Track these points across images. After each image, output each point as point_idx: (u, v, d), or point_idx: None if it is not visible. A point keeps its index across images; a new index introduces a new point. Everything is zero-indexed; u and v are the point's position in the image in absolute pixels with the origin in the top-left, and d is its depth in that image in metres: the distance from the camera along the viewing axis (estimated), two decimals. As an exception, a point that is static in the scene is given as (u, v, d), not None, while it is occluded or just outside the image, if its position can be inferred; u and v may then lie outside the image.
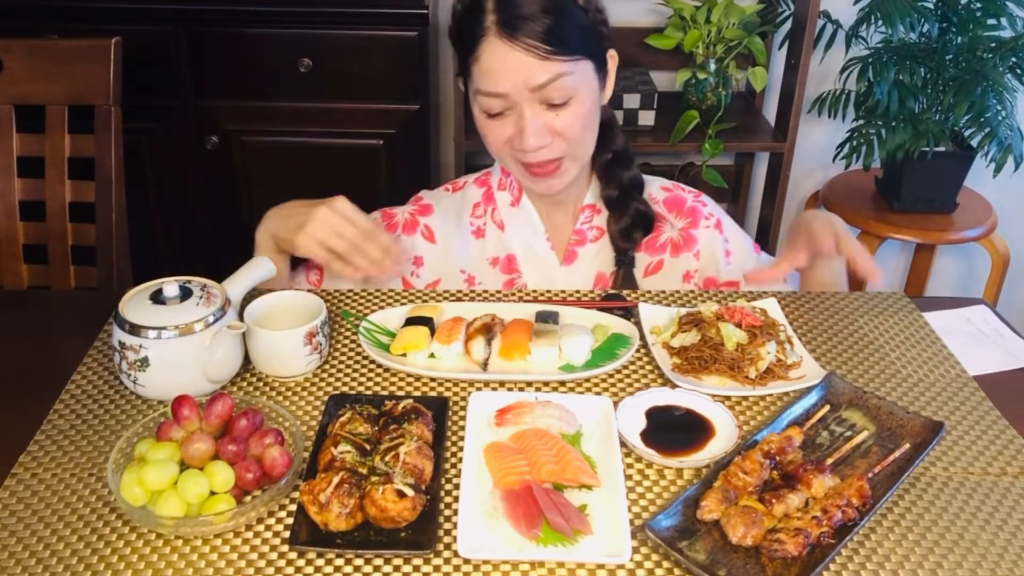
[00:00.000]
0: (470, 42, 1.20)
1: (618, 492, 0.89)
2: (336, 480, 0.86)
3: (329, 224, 1.20)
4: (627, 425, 1.00)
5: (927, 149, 2.19)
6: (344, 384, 1.09)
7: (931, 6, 2.23)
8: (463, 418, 1.02)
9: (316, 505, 0.85)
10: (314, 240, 1.20)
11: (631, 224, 1.36)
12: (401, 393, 1.07)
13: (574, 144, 1.25)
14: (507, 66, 1.18)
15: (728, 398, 1.07)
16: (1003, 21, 2.19)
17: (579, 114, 1.22)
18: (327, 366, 1.12)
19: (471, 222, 1.41)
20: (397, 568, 0.83)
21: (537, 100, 1.20)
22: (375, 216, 1.41)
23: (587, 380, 1.10)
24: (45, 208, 1.62)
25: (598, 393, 1.08)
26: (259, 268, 1.16)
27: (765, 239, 2.54)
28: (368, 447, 0.93)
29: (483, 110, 1.23)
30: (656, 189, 1.43)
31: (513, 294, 1.30)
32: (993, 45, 2.20)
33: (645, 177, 1.42)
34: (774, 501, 0.88)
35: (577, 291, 1.33)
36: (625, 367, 1.13)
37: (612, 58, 1.30)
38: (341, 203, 1.22)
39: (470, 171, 2.30)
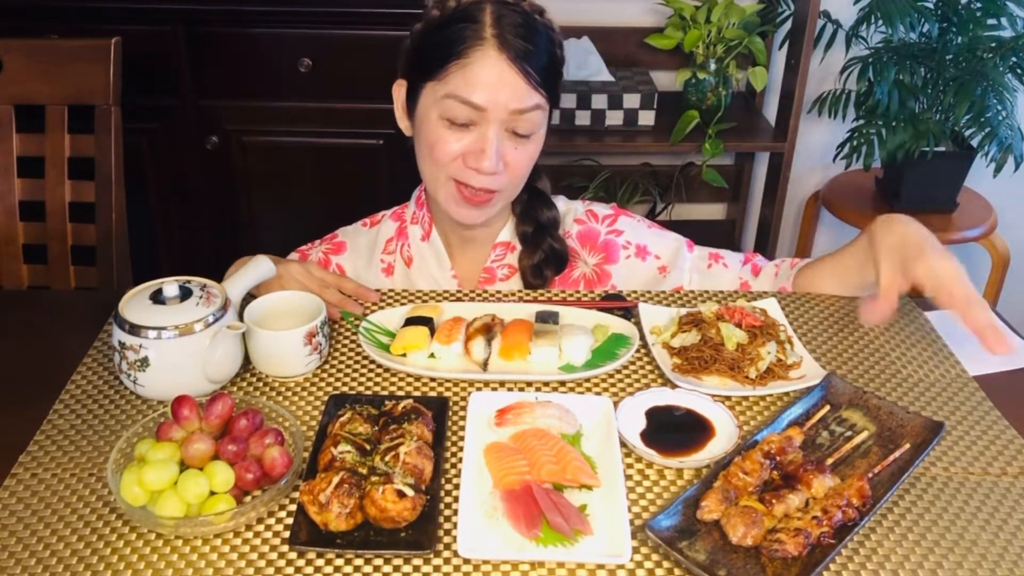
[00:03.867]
0: (458, 45, 1.17)
1: (618, 492, 0.89)
2: (336, 480, 0.86)
3: (293, 275, 1.22)
4: (627, 425, 1.00)
5: (927, 149, 2.20)
6: (344, 384, 1.09)
7: (931, 6, 2.23)
8: (463, 418, 1.02)
9: (316, 505, 0.85)
10: (276, 283, 1.21)
11: (543, 260, 1.34)
12: (401, 393, 1.07)
13: (515, 181, 1.25)
14: (498, 79, 1.16)
15: (728, 398, 1.07)
16: (1003, 21, 2.19)
17: (531, 153, 1.23)
18: (327, 366, 1.12)
19: (382, 259, 1.40)
20: (397, 568, 0.83)
21: (506, 126, 1.19)
22: (291, 258, 1.40)
23: (587, 380, 1.10)
24: (45, 208, 1.62)
25: (598, 393, 1.08)
26: (259, 268, 1.16)
27: (765, 239, 2.54)
28: (368, 447, 0.93)
29: (447, 116, 1.19)
30: (569, 222, 1.40)
31: (513, 294, 1.30)
32: (993, 45, 2.20)
33: (561, 205, 1.39)
34: (774, 501, 0.88)
35: (577, 291, 1.33)
36: (625, 367, 1.13)
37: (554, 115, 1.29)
38: (311, 264, 1.27)
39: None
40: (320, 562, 0.84)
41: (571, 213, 1.41)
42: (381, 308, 1.23)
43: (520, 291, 1.31)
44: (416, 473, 0.89)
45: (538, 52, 1.18)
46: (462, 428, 1.00)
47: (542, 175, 1.36)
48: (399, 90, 1.30)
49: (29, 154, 1.63)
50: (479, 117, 1.18)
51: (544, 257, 1.34)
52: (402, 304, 1.24)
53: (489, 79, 1.16)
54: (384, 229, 1.41)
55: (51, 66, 1.60)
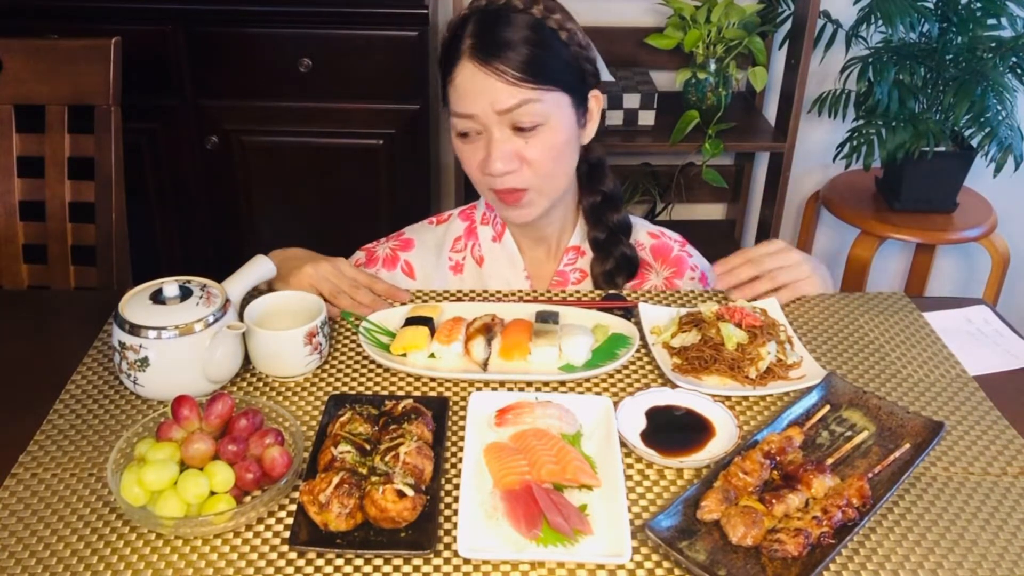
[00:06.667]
0: (448, 65, 1.22)
1: (618, 492, 0.89)
2: (336, 480, 0.86)
3: (322, 273, 1.23)
4: (627, 425, 1.00)
5: (927, 149, 2.19)
6: (344, 384, 1.09)
7: (931, 6, 2.23)
8: (463, 418, 1.02)
9: (316, 505, 0.85)
10: (306, 282, 1.22)
11: (615, 267, 1.35)
12: (401, 393, 1.07)
13: (542, 176, 1.24)
14: (476, 88, 1.19)
15: (728, 398, 1.07)
16: (1003, 21, 2.19)
17: (550, 144, 1.22)
18: (327, 366, 1.12)
19: (450, 257, 1.40)
20: (397, 568, 0.83)
21: (506, 124, 1.20)
22: (358, 256, 1.42)
23: (587, 380, 1.10)
24: (45, 208, 1.62)
25: (598, 393, 1.08)
26: (259, 268, 1.16)
27: (765, 239, 2.53)
28: (368, 447, 0.93)
29: (457, 132, 1.24)
30: (643, 235, 1.42)
31: (513, 294, 1.30)
32: (993, 45, 2.20)
33: (632, 220, 1.41)
34: (774, 501, 0.88)
35: (577, 291, 1.33)
36: (625, 367, 1.13)
37: (596, 99, 1.29)
38: (342, 263, 1.27)
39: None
40: (320, 562, 0.84)
41: (642, 226, 1.43)
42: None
43: (520, 291, 1.31)
44: (416, 473, 0.89)
45: (515, 48, 1.18)
46: (462, 428, 1.00)
47: (608, 176, 1.36)
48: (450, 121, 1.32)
49: (29, 154, 1.63)
50: (477, 125, 1.21)
51: (616, 264, 1.35)
52: (402, 304, 1.24)
53: (470, 89, 1.20)
54: (452, 227, 1.42)
55: (51, 66, 1.60)
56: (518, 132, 1.21)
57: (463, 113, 1.21)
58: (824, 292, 1.30)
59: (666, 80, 2.50)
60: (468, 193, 2.30)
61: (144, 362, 1.02)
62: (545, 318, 1.16)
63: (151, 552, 0.85)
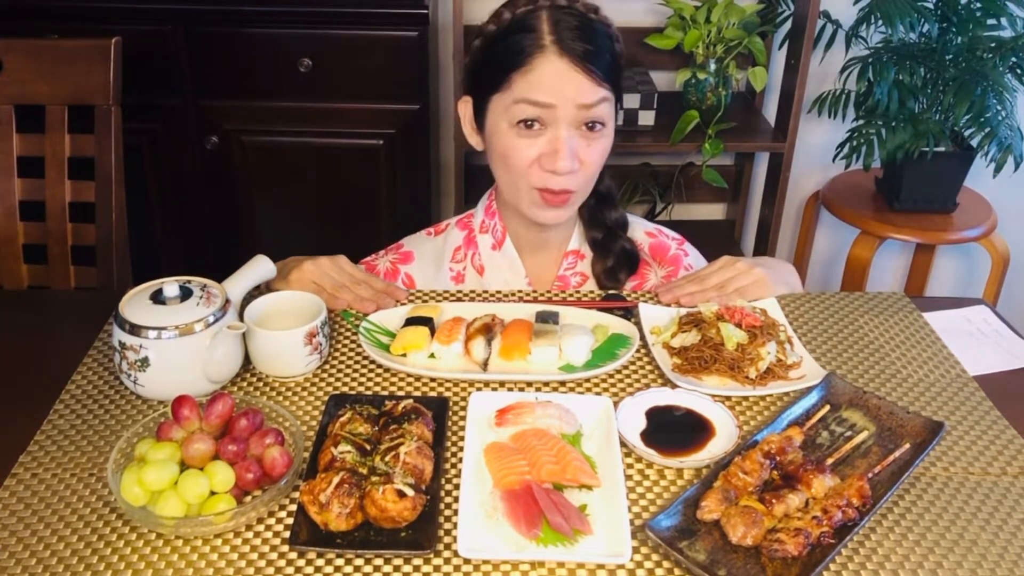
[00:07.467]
0: (519, 55, 1.20)
1: (618, 492, 0.89)
2: (336, 480, 0.86)
3: (323, 269, 1.25)
4: (627, 425, 1.00)
5: (927, 149, 2.19)
6: (344, 384, 1.09)
7: (931, 6, 2.23)
8: (463, 418, 1.02)
9: (316, 505, 0.85)
10: (308, 278, 1.24)
11: (616, 264, 1.36)
12: (401, 393, 1.07)
13: (589, 179, 1.26)
14: (563, 79, 1.18)
15: (728, 398, 1.07)
16: (1003, 21, 2.19)
17: (603, 148, 1.24)
18: (327, 366, 1.12)
19: (451, 267, 1.40)
20: (397, 568, 0.83)
21: (575, 123, 1.21)
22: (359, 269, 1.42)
23: (587, 380, 1.10)
24: (45, 208, 1.62)
25: (598, 393, 1.08)
26: (259, 268, 1.16)
27: (765, 239, 2.54)
28: (368, 447, 0.93)
29: (518, 122, 1.21)
30: (641, 234, 1.42)
31: (513, 294, 1.30)
32: (993, 45, 2.20)
33: (629, 218, 1.42)
34: (774, 501, 0.88)
35: (577, 291, 1.33)
36: (625, 367, 1.13)
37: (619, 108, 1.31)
38: (342, 259, 1.28)
39: (470, 171, 2.30)
40: (320, 562, 0.84)
41: (640, 225, 1.44)
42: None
43: (520, 291, 1.31)
44: (416, 473, 0.89)
45: (599, 51, 1.20)
46: (462, 428, 1.00)
47: (605, 177, 1.37)
48: (465, 107, 1.32)
49: (29, 154, 1.63)
50: (549, 117, 1.20)
51: (617, 260, 1.36)
52: (402, 304, 1.24)
53: (554, 80, 1.19)
54: (451, 238, 1.42)
55: (51, 66, 1.60)
56: (583, 132, 1.22)
57: (542, 102, 1.19)
58: (788, 291, 1.29)
59: (666, 80, 2.51)
60: (468, 193, 2.30)
61: (144, 362, 1.02)
62: (545, 318, 1.16)
63: (151, 552, 0.85)
